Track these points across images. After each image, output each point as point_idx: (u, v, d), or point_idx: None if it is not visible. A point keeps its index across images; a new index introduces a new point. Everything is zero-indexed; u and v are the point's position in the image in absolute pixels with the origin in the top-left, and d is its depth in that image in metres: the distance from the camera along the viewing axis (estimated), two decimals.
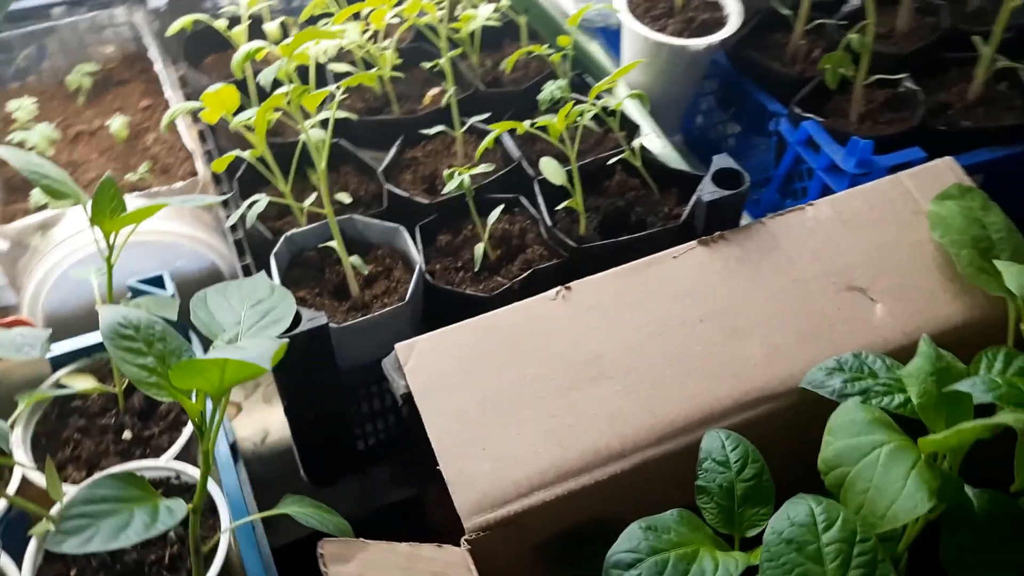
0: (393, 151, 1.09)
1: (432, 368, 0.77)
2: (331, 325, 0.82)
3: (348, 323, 0.86)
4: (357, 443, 0.97)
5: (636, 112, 1.18)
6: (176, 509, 0.62)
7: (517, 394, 0.76)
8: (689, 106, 1.42)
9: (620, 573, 0.62)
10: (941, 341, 0.79)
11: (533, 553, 0.75)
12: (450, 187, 0.97)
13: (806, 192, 1.22)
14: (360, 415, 0.94)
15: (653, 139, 1.13)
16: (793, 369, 0.78)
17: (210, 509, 0.78)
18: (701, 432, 0.73)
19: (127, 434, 0.84)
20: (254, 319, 0.72)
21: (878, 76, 1.20)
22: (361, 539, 0.57)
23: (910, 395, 0.67)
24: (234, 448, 0.92)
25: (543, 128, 0.97)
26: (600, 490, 0.73)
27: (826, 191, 1.15)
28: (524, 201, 1.03)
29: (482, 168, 1.01)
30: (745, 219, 0.93)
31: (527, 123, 0.97)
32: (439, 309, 0.91)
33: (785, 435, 0.75)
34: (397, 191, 1.03)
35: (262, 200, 0.94)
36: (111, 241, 0.77)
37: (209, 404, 0.63)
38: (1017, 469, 0.59)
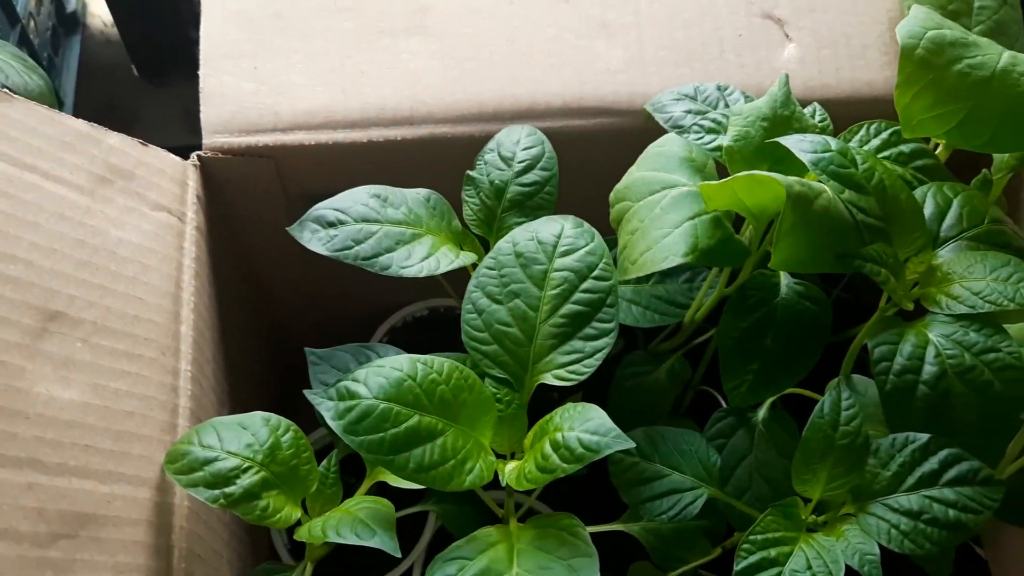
0: None
1: None
2: None
3: None
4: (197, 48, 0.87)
5: None
6: None
7: (318, 20, 0.64)
8: None
9: (315, 228, 0.54)
10: (849, 111, 0.64)
11: (300, 205, 0.67)
12: None
13: None
14: (195, 12, 0.84)
15: None
16: (650, 88, 0.64)
17: None
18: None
19: None
20: None
21: None
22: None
23: (728, 136, 0.53)
24: (74, 16, 0.83)
25: None
26: (375, 153, 0.64)
27: None
28: None
29: None
30: None
31: None
32: None
33: (612, 161, 0.63)
34: None
35: None
36: None
37: None
38: (774, 245, 0.47)
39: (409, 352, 0.63)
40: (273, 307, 0.80)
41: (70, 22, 0.87)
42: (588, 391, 0.80)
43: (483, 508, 0.62)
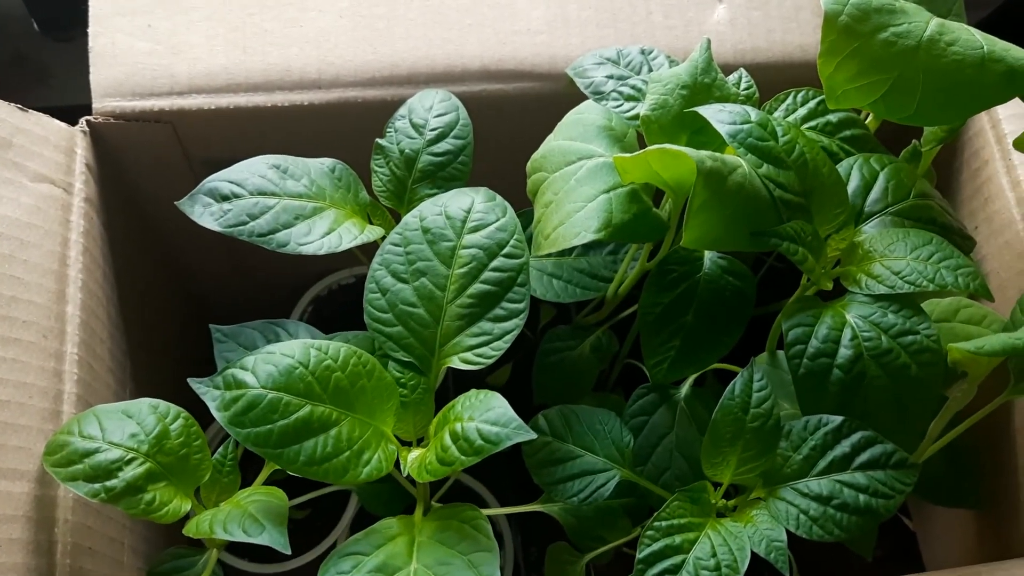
0: None
1: None
2: None
3: None
4: None
5: None
6: None
7: None
8: None
9: (207, 201, 0.51)
10: (781, 76, 0.62)
11: (205, 171, 0.64)
12: None
13: None
14: None
15: None
16: (572, 50, 0.61)
17: None
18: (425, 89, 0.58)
19: None
20: None
21: None
22: None
23: (645, 104, 0.51)
24: None
25: None
26: (281, 118, 0.60)
27: None
28: None
29: None
30: None
31: None
32: None
33: (532, 129, 0.60)
34: None
35: None
36: None
37: None
38: (686, 223, 0.44)
39: (334, 323, 0.60)
40: (188, 281, 0.76)
41: None
42: (518, 365, 0.78)
43: (401, 488, 0.60)
